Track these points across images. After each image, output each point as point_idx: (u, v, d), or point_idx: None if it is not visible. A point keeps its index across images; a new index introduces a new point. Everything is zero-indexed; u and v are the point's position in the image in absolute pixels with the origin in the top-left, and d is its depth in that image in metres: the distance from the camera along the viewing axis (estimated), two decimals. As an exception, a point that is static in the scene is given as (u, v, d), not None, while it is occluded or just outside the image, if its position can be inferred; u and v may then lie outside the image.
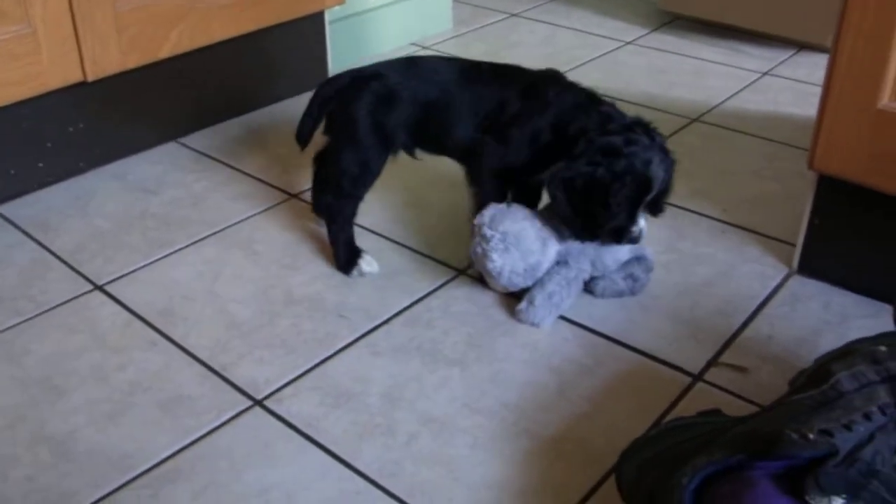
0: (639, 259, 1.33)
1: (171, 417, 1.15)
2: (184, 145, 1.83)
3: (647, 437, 0.98)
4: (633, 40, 2.39)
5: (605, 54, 2.29)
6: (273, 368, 1.22)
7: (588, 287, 1.34)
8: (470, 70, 1.40)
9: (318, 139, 1.46)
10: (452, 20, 2.50)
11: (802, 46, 2.30)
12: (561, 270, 1.30)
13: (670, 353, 1.24)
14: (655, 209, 1.30)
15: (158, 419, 1.14)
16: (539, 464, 1.07)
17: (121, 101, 1.73)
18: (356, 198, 1.41)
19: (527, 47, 2.34)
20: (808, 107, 1.95)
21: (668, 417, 1.13)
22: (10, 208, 1.60)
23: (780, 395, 0.96)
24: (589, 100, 1.32)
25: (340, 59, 2.17)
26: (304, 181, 1.68)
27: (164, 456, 1.09)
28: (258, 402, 1.17)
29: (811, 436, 0.82)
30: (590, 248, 1.29)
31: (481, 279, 1.36)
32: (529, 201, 1.37)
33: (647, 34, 2.43)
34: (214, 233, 1.53)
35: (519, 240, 1.27)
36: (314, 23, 2.04)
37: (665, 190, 1.28)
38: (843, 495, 0.78)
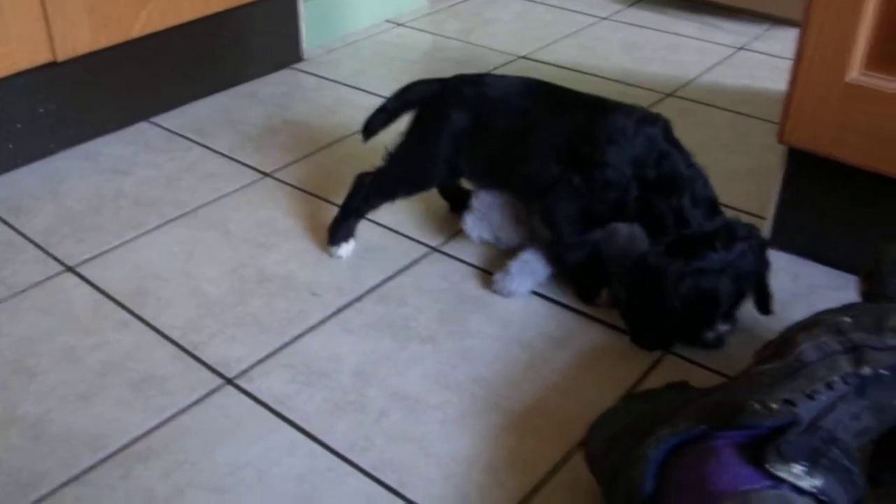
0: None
1: (143, 397, 1.15)
2: (156, 125, 1.82)
3: (614, 409, 0.99)
4: (609, 16, 2.39)
5: (580, 30, 2.29)
6: (245, 347, 1.22)
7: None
8: (550, 92, 1.33)
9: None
10: (427, -3, 2.49)
11: (777, 21, 2.30)
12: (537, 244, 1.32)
13: (641, 327, 1.24)
14: (762, 309, 1.23)
15: (130, 399, 1.14)
16: (509, 438, 1.07)
17: (91, 81, 1.72)
18: (389, 198, 1.39)
19: (501, 24, 2.33)
20: (781, 81, 1.93)
21: (639, 390, 1.14)
22: (-20, 190, 1.60)
23: (746, 367, 0.96)
24: (693, 183, 1.18)
25: (314, 37, 2.17)
26: (277, 160, 1.67)
27: (135, 435, 1.09)
28: (230, 381, 1.17)
29: (774, 406, 0.83)
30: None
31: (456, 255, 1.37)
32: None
33: (622, 10, 2.43)
34: (187, 213, 1.53)
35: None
36: (286, 0, 2.02)
37: (764, 293, 1.21)
38: (804, 463, 0.79)
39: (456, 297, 1.31)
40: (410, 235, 1.45)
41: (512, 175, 1.30)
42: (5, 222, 1.50)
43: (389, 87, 1.46)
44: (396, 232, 1.46)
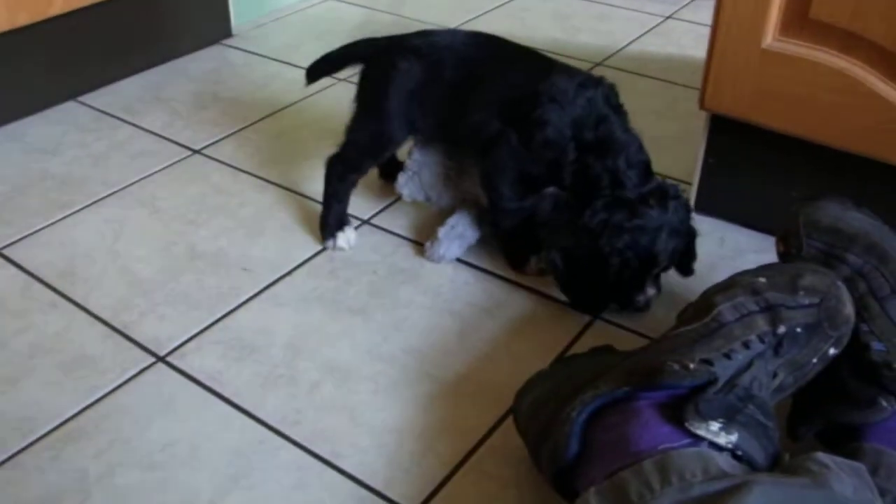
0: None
1: (73, 378, 1.14)
2: (83, 104, 1.80)
3: (541, 374, 1.01)
4: (539, -14, 2.40)
5: (510, 1, 2.29)
6: (176, 324, 1.22)
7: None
8: (499, 47, 1.32)
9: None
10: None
11: (704, -11, 2.33)
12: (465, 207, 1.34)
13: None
14: (684, 272, 1.26)
15: (60, 380, 1.14)
16: (440, 406, 1.09)
17: (14, 60, 1.68)
18: (359, 170, 1.36)
19: (433, -4, 2.33)
20: (708, 48, 1.98)
21: (568, 355, 1.16)
22: None
23: (668, 329, 0.98)
24: (627, 148, 1.18)
25: (243, 12, 2.15)
26: (207, 137, 1.66)
27: (66, 417, 1.09)
28: (161, 359, 1.17)
29: (692, 365, 0.85)
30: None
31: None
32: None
33: (552, -20, 2.44)
34: (116, 191, 1.51)
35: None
36: (213, -24, 2.01)
37: (689, 253, 1.24)
38: (720, 420, 0.82)
39: (387, 268, 1.32)
40: (341, 209, 1.45)
41: (458, 127, 1.30)
42: (-72, 206, 1.48)
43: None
44: (328, 206, 1.46)
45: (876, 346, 0.91)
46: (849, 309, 0.89)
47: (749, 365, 0.87)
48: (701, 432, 0.81)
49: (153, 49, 1.94)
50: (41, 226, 1.43)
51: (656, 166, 1.22)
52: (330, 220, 1.37)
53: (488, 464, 1.01)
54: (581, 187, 1.20)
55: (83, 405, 1.10)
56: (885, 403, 0.91)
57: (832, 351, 0.90)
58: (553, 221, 1.25)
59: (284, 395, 1.11)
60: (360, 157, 1.35)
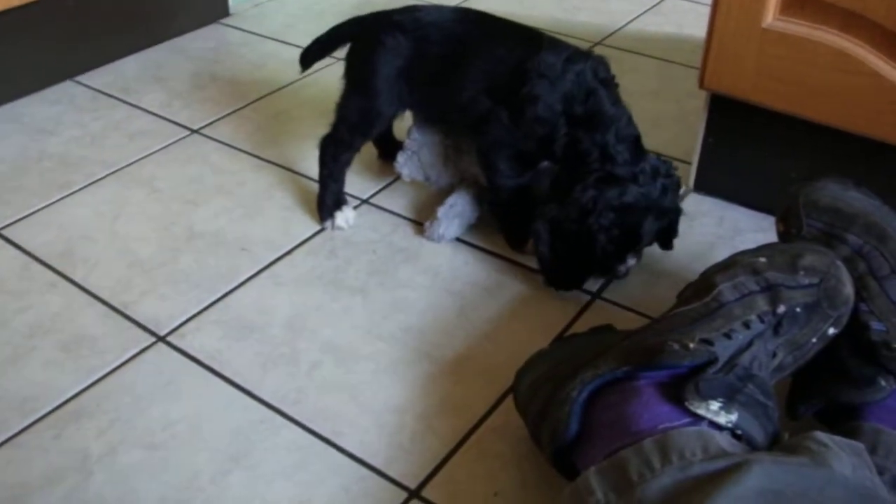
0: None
1: (74, 358, 1.14)
2: (81, 84, 1.79)
3: (541, 354, 1.01)
4: (538, -35, 2.38)
5: (509, -20, 2.28)
6: (176, 304, 1.22)
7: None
8: (486, 22, 1.31)
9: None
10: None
11: (703, -33, 2.32)
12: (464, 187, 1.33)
13: (570, 274, 1.26)
14: (664, 246, 1.26)
15: (60, 360, 1.14)
16: (440, 386, 1.09)
17: (11, 40, 1.68)
18: (352, 148, 1.35)
19: (431, -26, 2.32)
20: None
21: (568, 334, 1.16)
22: None
23: (668, 309, 0.99)
24: (616, 122, 1.18)
25: (241, -10, 2.14)
26: (205, 116, 1.66)
27: (67, 397, 1.09)
28: (161, 339, 1.17)
29: (691, 345, 0.86)
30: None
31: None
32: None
33: (551, -42, 2.42)
34: (114, 171, 1.51)
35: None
36: (211, -47, 2.00)
37: (672, 230, 1.24)
38: (720, 399, 0.82)
39: (386, 248, 1.32)
40: (341, 189, 1.45)
41: (447, 104, 1.29)
42: (-74, 186, 1.47)
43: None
44: (327, 186, 1.46)
45: (875, 325, 0.91)
46: (848, 289, 0.89)
47: (749, 344, 0.87)
48: (701, 412, 0.82)
49: (151, 28, 1.94)
50: (40, 206, 1.42)
51: (655, 145, 1.22)
52: (327, 201, 1.37)
53: (488, 443, 1.02)
54: (571, 161, 1.20)
55: (84, 385, 1.10)
56: (883, 383, 0.91)
57: (832, 331, 0.90)
58: (543, 193, 1.26)
59: (284, 374, 1.11)
60: (351, 135, 1.34)
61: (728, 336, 0.87)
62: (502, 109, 1.22)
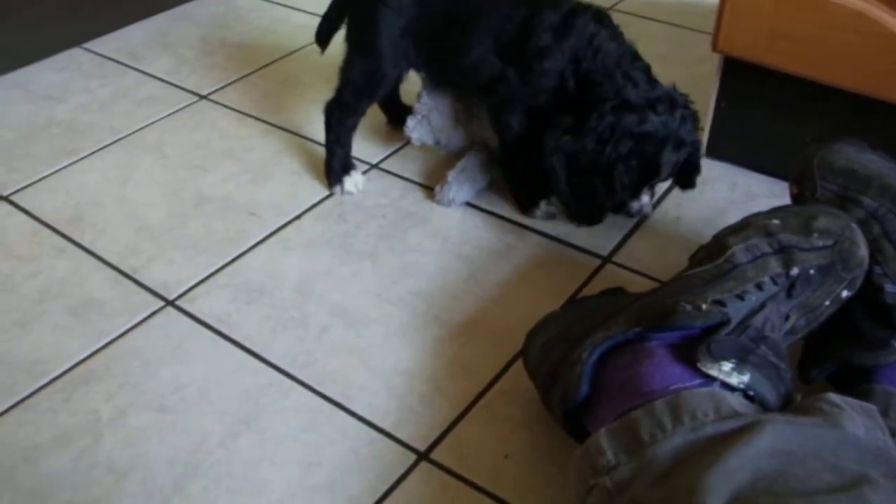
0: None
1: (83, 322, 1.14)
2: (89, 50, 1.78)
3: (552, 316, 1.00)
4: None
5: (519, -55, 2.25)
6: (184, 269, 1.22)
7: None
8: None
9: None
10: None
11: (716, -68, 2.28)
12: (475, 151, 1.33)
13: (580, 237, 1.26)
14: (685, 185, 1.25)
15: (70, 325, 1.14)
16: (450, 349, 1.09)
17: (18, 8, 1.67)
18: (357, 111, 1.34)
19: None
20: (719, -8, 1.95)
21: (579, 297, 1.15)
22: None
23: (680, 271, 0.98)
24: (622, 57, 1.19)
25: (249, -44, 2.11)
26: (213, 82, 1.65)
27: (76, 360, 1.09)
28: (170, 303, 1.17)
29: (704, 306, 0.85)
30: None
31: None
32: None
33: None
34: (122, 137, 1.50)
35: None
36: (218, -81, 1.98)
37: (692, 165, 1.22)
38: (732, 360, 0.81)
39: (395, 212, 1.31)
40: (350, 154, 1.44)
41: (453, 64, 1.28)
42: (-65, 151, 1.47)
43: (326, 6, 1.44)
44: (336, 151, 1.45)
45: (889, 288, 0.90)
46: (863, 251, 0.88)
47: (762, 306, 0.86)
48: (713, 372, 0.81)
49: (158, -6, 1.92)
50: (48, 172, 1.42)
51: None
52: (335, 166, 1.36)
53: (498, 405, 1.02)
54: (585, 98, 1.18)
55: (93, 349, 1.10)
56: (897, 345, 0.91)
57: (845, 293, 0.89)
58: (555, 124, 1.22)
59: (294, 338, 1.11)
60: (356, 99, 1.33)
61: (741, 297, 0.86)
62: (510, 68, 1.21)
